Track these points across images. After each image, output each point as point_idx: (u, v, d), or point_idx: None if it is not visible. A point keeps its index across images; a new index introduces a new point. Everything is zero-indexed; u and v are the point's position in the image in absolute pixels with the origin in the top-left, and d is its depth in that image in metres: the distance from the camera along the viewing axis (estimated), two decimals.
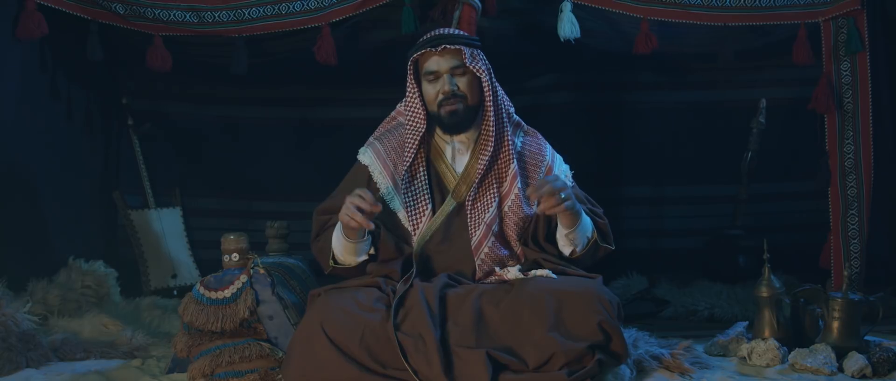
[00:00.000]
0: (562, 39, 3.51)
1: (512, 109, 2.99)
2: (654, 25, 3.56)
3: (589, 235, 2.82)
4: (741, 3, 3.52)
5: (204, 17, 3.53)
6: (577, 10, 3.49)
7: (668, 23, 3.56)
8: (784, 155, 4.36)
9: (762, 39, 3.73)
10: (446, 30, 2.89)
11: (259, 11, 3.54)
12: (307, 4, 3.53)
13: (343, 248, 2.80)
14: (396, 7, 3.55)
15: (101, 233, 4.34)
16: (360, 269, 2.85)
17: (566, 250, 2.84)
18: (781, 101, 4.30)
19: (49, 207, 3.88)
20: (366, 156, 2.96)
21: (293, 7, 3.53)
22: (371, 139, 3.00)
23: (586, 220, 2.80)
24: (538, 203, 2.66)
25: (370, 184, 2.89)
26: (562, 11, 3.49)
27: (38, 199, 3.82)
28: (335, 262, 2.85)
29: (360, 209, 2.60)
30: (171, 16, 3.52)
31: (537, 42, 3.87)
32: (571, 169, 3.01)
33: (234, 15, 3.53)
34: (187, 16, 3.53)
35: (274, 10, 3.54)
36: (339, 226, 2.76)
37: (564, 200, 2.63)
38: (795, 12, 3.55)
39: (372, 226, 2.66)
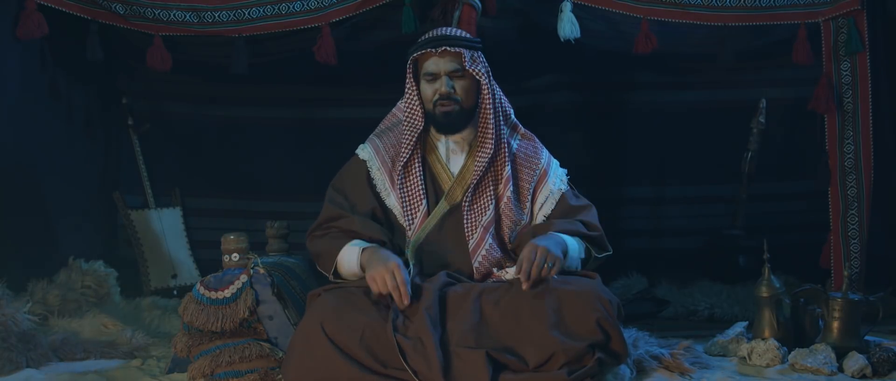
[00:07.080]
0: (562, 39, 3.51)
1: (511, 111, 2.99)
2: (654, 25, 3.56)
3: (582, 256, 2.82)
4: (741, 3, 3.52)
5: (204, 17, 3.53)
6: (577, 10, 3.50)
7: (668, 23, 3.57)
8: (784, 155, 4.36)
9: (762, 39, 3.73)
10: (448, 30, 2.88)
11: (259, 11, 3.55)
12: (307, 4, 3.54)
13: (352, 273, 2.78)
14: (396, 7, 3.56)
15: (101, 233, 4.34)
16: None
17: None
18: (781, 101, 4.29)
19: (49, 207, 3.87)
20: (365, 151, 2.96)
21: (293, 7, 3.54)
22: (371, 136, 3.01)
23: (574, 251, 2.78)
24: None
25: (368, 179, 2.90)
26: (562, 11, 3.49)
27: (38, 199, 3.81)
28: (336, 274, 2.82)
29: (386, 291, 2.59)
30: (171, 16, 3.53)
31: (537, 42, 3.87)
32: (568, 174, 3.01)
33: (234, 15, 3.54)
34: (187, 16, 3.53)
35: (274, 10, 3.54)
36: (355, 256, 2.74)
37: (552, 269, 2.61)
38: (795, 12, 3.55)
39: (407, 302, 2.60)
